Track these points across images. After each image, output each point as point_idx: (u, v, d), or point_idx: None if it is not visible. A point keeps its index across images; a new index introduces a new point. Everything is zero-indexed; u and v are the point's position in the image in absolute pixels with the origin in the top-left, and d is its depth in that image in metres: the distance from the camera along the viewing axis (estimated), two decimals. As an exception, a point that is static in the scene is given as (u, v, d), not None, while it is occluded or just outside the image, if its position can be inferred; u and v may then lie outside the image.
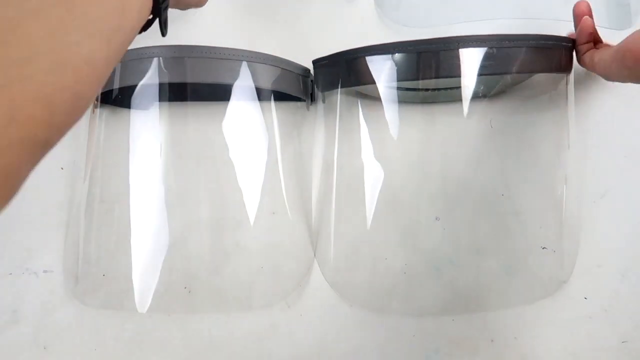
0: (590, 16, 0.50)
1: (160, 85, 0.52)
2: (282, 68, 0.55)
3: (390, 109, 0.54)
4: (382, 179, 0.55)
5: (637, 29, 0.44)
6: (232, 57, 0.52)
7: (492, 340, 0.54)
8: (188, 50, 0.52)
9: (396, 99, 0.53)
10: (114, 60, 0.31)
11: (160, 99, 0.54)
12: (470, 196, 0.56)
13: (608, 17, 0.58)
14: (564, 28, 0.55)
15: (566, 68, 0.53)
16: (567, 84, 0.54)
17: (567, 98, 0.55)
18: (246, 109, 0.55)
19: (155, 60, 0.51)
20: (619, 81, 0.48)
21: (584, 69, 0.53)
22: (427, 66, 0.50)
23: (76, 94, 0.27)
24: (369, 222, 0.54)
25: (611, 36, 0.52)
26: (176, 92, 0.55)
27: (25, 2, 0.26)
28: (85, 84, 0.27)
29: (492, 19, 0.58)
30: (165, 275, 0.54)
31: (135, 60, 0.52)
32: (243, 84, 0.53)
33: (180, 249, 0.55)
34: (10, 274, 0.57)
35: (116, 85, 0.53)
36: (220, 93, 0.55)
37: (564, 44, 0.52)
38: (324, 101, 0.60)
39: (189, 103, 0.59)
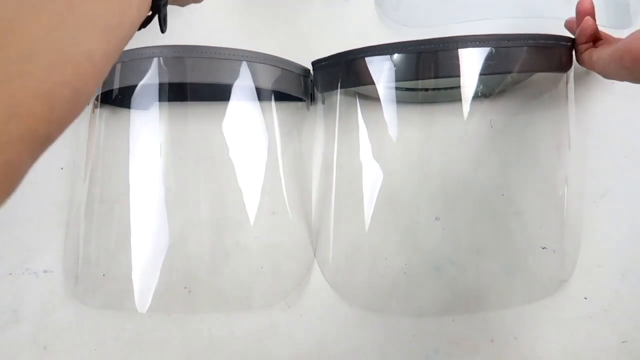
0: (593, 16, 0.50)
1: (160, 85, 0.52)
2: (282, 68, 0.55)
3: (389, 109, 0.54)
4: (381, 179, 0.55)
5: (636, 29, 0.44)
6: (232, 57, 0.52)
7: (492, 340, 0.54)
8: (188, 50, 0.52)
9: (395, 99, 0.53)
10: (113, 57, 0.31)
11: (160, 99, 0.54)
12: (470, 196, 0.56)
13: (607, 16, 0.58)
14: (565, 27, 0.55)
15: (566, 67, 0.53)
16: (567, 83, 0.54)
17: (567, 97, 0.55)
18: (246, 109, 0.55)
19: (155, 60, 0.52)
20: (617, 80, 0.48)
21: (584, 68, 0.53)
22: (427, 66, 0.50)
23: (76, 90, 0.27)
24: (368, 222, 0.54)
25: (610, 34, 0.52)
26: (176, 92, 0.55)
27: None
28: (85, 80, 0.28)
29: (493, 18, 0.58)
30: (165, 275, 0.54)
31: (135, 60, 0.52)
32: (243, 84, 0.53)
33: (180, 249, 0.55)
34: (10, 274, 0.57)
35: (116, 85, 0.53)
36: (220, 93, 0.55)
37: (564, 43, 0.52)
38: (323, 102, 0.60)
39: (189, 103, 0.59)
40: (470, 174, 0.57)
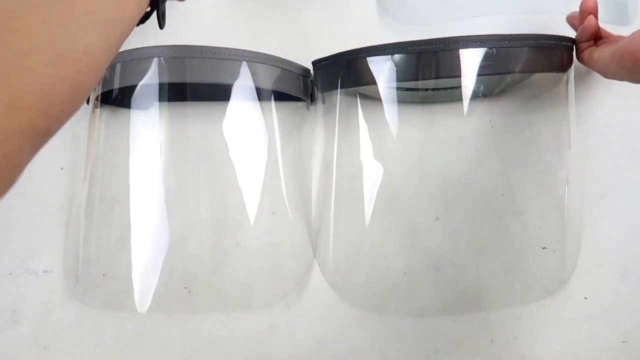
0: (596, 15, 0.50)
1: (160, 85, 0.52)
2: (282, 68, 0.55)
3: (390, 109, 0.54)
4: (381, 178, 0.55)
5: (634, 26, 0.43)
6: (232, 57, 0.52)
7: (492, 340, 0.54)
8: (188, 50, 0.52)
9: (396, 99, 0.53)
10: (112, 51, 0.31)
11: (160, 99, 0.54)
12: (470, 196, 0.56)
13: (606, 12, 0.58)
14: (566, 24, 0.55)
15: (566, 67, 0.53)
16: (567, 83, 0.54)
17: (567, 98, 0.54)
18: (246, 109, 0.55)
19: (155, 60, 0.52)
20: (617, 80, 0.48)
21: (584, 68, 0.53)
22: (427, 67, 0.50)
23: (75, 85, 0.27)
24: (368, 222, 0.54)
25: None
26: (176, 92, 0.55)
27: None
28: (85, 74, 0.28)
29: (494, 15, 0.58)
30: (165, 275, 0.54)
31: (135, 60, 0.52)
32: (243, 84, 0.53)
33: (180, 249, 0.55)
34: (10, 274, 0.57)
35: (116, 85, 0.53)
36: (220, 93, 0.55)
37: (564, 43, 0.52)
38: (323, 102, 0.60)
39: (189, 103, 0.59)
40: (470, 174, 0.57)
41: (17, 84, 0.24)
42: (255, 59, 0.53)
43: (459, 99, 0.51)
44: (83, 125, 0.58)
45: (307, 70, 0.58)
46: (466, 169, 0.57)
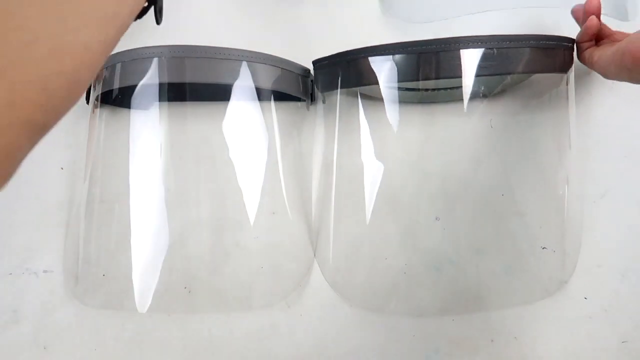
0: (598, 16, 0.50)
1: (160, 85, 0.52)
2: (282, 68, 0.55)
3: (390, 108, 0.54)
4: (381, 178, 0.55)
5: (637, 23, 0.43)
6: (232, 57, 0.52)
7: (492, 340, 0.54)
8: (188, 50, 0.52)
9: (396, 99, 0.53)
10: (110, 46, 0.31)
11: (160, 99, 0.54)
12: (470, 196, 0.56)
13: (606, 5, 0.57)
14: (566, 25, 0.55)
15: (567, 68, 0.53)
16: (567, 84, 0.54)
17: (567, 98, 0.54)
18: (246, 109, 0.55)
19: (155, 60, 0.51)
20: (618, 80, 0.48)
21: (584, 69, 0.53)
22: (428, 67, 0.50)
23: (73, 79, 0.27)
24: (368, 222, 0.54)
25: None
26: (176, 92, 0.55)
27: None
28: (83, 69, 0.28)
29: (498, 10, 0.57)
30: (165, 275, 0.54)
31: (135, 60, 0.52)
32: (243, 84, 0.53)
33: (180, 249, 0.55)
34: (10, 274, 0.57)
35: (116, 85, 0.53)
36: (220, 93, 0.55)
37: (565, 44, 0.52)
38: (324, 101, 0.60)
39: (188, 103, 0.59)
40: (470, 174, 0.57)
41: (15, 78, 0.24)
42: (255, 59, 0.53)
43: (460, 99, 0.51)
44: (83, 125, 0.58)
45: (307, 70, 0.58)
46: (466, 169, 0.57)
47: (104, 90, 0.54)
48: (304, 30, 0.63)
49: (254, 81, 0.53)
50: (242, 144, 0.56)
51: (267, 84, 0.54)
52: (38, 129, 0.26)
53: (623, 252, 0.56)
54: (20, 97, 0.24)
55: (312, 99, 0.60)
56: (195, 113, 0.59)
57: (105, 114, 0.58)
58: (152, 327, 0.55)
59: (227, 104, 0.54)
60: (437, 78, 0.50)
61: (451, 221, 0.56)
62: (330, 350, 0.54)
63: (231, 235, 0.56)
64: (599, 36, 0.51)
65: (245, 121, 0.56)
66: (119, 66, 0.53)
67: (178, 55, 0.51)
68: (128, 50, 0.52)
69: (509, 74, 0.53)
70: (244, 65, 0.53)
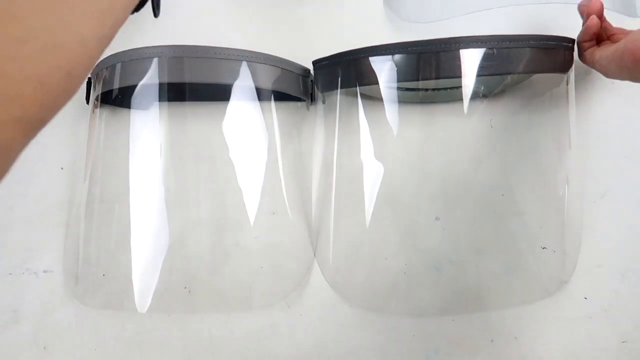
0: (600, 16, 0.50)
1: (160, 85, 0.52)
2: (282, 68, 0.55)
3: (390, 109, 0.54)
4: (381, 178, 0.55)
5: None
6: (232, 57, 0.52)
7: (492, 340, 0.54)
8: (188, 50, 0.52)
9: (396, 99, 0.53)
10: (106, 40, 0.31)
11: (160, 99, 0.54)
12: (470, 196, 0.56)
13: (614, 2, 0.57)
14: (567, 23, 0.55)
15: (567, 68, 0.53)
16: (567, 84, 0.54)
17: (567, 98, 0.54)
18: (246, 109, 0.55)
19: (155, 60, 0.51)
20: (618, 79, 0.48)
21: (584, 69, 0.53)
22: (428, 67, 0.49)
23: (69, 74, 0.27)
24: (368, 222, 0.54)
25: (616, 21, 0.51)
26: (176, 92, 0.55)
27: None
28: (78, 63, 0.28)
29: (499, 8, 0.57)
30: (165, 275, 0.54)
31: (135, 60, 0.52)
32: (243, 84, 0.53)
33: (180, 249, 0.55)
34: (10, 274, 0.57)
35: (116, 85, 0.53)
36: (220, 93, 0.55)
37: (565, 44, 0.52)
38: (324, 101, 0.60)
39: (188, 103, 0.59)
40: (470, 174, 0.57)
41: (11, 73, 0.24)
42: (255, 59, 0.53)
43: (460, 99, 0.51)
44: (83, 125, 0.58)
45: (307, 70, 0.58)
46: (466, 169, 0.57)
47: (104, 90, 0.54)
48: (304, 30, 0.63)
49: (254, 81, 0.53)
50: (242, 144, 0.56)
51: (267, 84, 0.54)
52: (34, 125, 0.26)
53: (623, 252, 0.56)
54: (15, 92, 0.24)
55: (312, 99, 0.60)
56: (195, 113, 0.59)
57: (105, 114, 0.58)
58: (152, 327, 0.55)
59: (227, 104, 0.54)
60: (437, 78, 0.50)
61: (451, 221, 0.56)
62: (330, 350, 0.54)
63: (231, 235, 0.56)
64: (601, 36, 0.51)
65: (245, 121, 0.56)
66: (119, 66, 0.53)
67: (178, 55, 0.51)
68: (128, 50, 0.52)
69: (509, 74, 0.53)
70: (244, 65, 0.53)
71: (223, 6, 0.64)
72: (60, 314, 0.56)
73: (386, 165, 0.55)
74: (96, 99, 0.56)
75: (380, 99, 0.53)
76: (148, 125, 0.56)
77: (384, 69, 0.50)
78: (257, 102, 0.55)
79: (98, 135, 0.57)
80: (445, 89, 0.57)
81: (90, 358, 0.54)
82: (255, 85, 0.53)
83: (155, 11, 0.42)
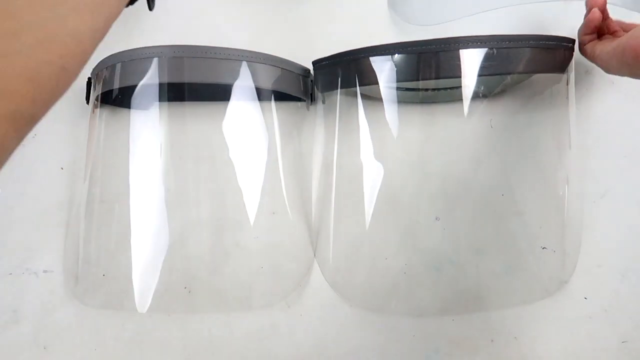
0: (602, 10, 0.50)
1: (160, 85, 0.52)
2: (282, 68, 0.55)
3: (390, 109, 0.54)
4: (381, 178, 0.55)
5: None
6: (232, 57, 0.52)
7: (492, 340, 0.54)
8: (188, 50, 0.52)
9: (396, 99, 0.53)
10: (99, 34, 0.31)
11: (160, 99, 0.54)
12: (470, 196, 0.56)
13: None
14: (567, 23, 0.55)
15: (566, 68, 0.53)
16: (567, 83, 0.54)
17: (567, 98, 0.54)
18: (246, 109, 0.55)
19: (155, 60, 0.51)
20: (619, 75, 0.48)
21: (584, 69, 0.53)
22: (428, 67, 0.50)
23: (61, 69, 0.27)
24: (368, 222, 0.54)
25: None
26: (176, 92, 0.55)
27: None
28: (71, 58, 0.27)
29: (503, 7, 0.57)
30: (165, 275, 0.54)
31: (135, 60, 0.52)
32: (243, 84, 0.53)
33: (180, 249, 0.55)
34: (10, 274, 0.57)
35: (116, 85, 0.53)
36: (220, 93, 0.55)
37: (565, 44, 0.52)
38: (324, 102, 0.60)
39: (188, 103, 0.59)
40: (470, 174, 0.57)
41: (2, 69, 0.24)
42: (255, 59, 0.53)
43: (459, 99, 0.51)
44: (83, 125, 0.58)
45: (307, 70, 0.58)
46: (466, 169, 0.57)
47: (104, 90, 0.54)
48: (304, 30, 0.63)
49: (254, 81, 0.53)
50: (242, 144, 0.56)
51: (267, 84, 0.54)
52: (26, 120, 0.26)
53: (623, 252, 0.56)
54: (7, 88, 0.24)
55: (312, 99, 0.60)
56: (195, 113, 0.59)
57: (105, 114, 0.58)
58: (152, 327, 0.55)
59: (227, 104, 0.54)
60: (437, 78, 0.50)
61: (451, 221, 0.56)
62: (330, 350, 0.54)
63: (231, 235, 0.56)
64: (602, 30, 0.51)
65: (245, 121, 0.56)
66: (119, 66, 0.53)
67: (178, 55, 0.51)
68: (128, 50, 0.52)
69: (509, 74, 0.53)
70: (244, 65, 0.53)
71: (223, 6, 0.64)
72: (60, 314, 0.56)
73: (386, 166, 0.55)
74: (96, 99, 0.56)
75: (380, 99, 0.53)
76: (148, 125, 0.56)
77: (384, 69, 0.50)
78: (257, 102, 0.55)
79: (98, 135, 0.57)
80: (445, 89, 0.57)
81: (90, 358, 0.54)
82: (255, 85, 0.53)
83: (150, 4, 0.42)
